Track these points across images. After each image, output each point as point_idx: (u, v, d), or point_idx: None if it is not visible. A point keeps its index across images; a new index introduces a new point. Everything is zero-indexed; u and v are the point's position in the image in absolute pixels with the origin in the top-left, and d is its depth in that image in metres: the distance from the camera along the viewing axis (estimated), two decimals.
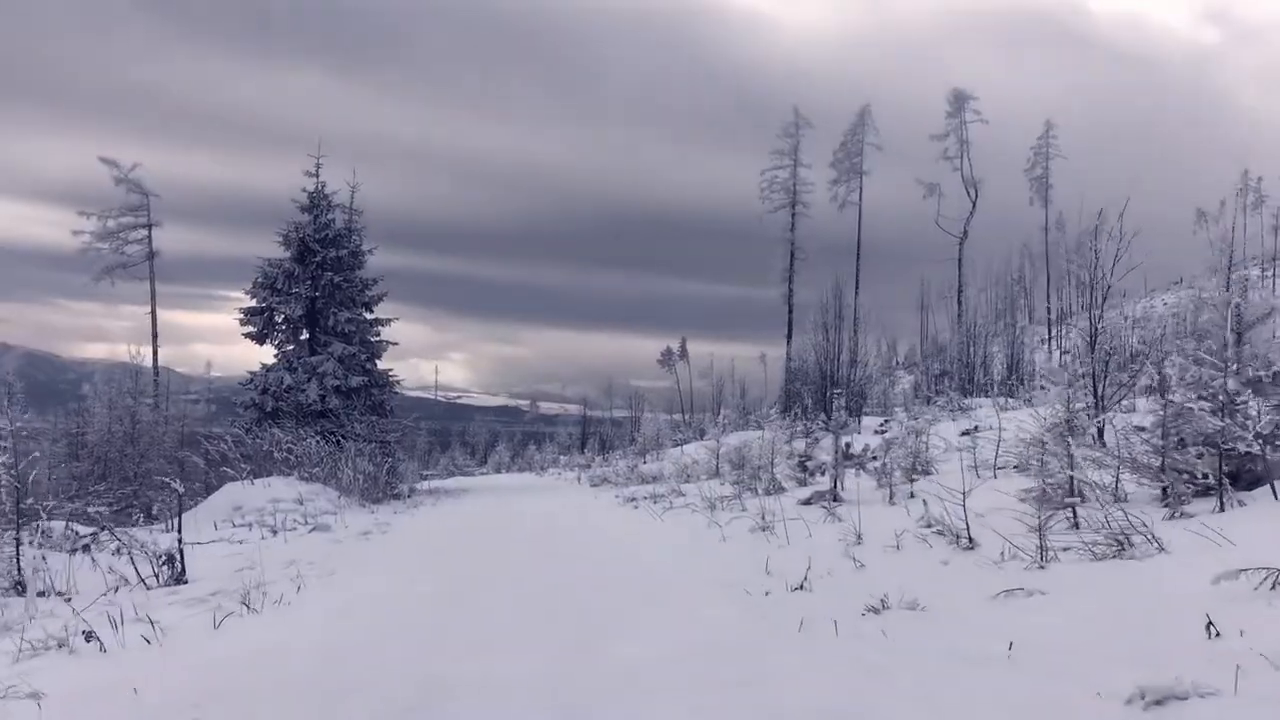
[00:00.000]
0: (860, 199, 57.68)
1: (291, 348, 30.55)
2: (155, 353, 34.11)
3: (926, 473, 16.01)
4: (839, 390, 39.33)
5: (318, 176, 30.72)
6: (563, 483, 36.61)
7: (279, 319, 30.17)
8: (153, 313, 34.34)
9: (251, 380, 29.23)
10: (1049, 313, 64.36)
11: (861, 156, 57.70)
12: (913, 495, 14.36)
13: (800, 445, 21.62)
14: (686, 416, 60.45)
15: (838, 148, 58.80)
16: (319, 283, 29.79)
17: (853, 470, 16.60)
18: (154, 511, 23.94)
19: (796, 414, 35.06)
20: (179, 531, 11.86)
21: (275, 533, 17.56)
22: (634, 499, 22.28)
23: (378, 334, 31.60)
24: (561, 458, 52.16)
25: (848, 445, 15.56)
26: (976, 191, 56.41)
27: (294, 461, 23.93)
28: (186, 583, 11.42)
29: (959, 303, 52.47)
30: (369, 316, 31.56)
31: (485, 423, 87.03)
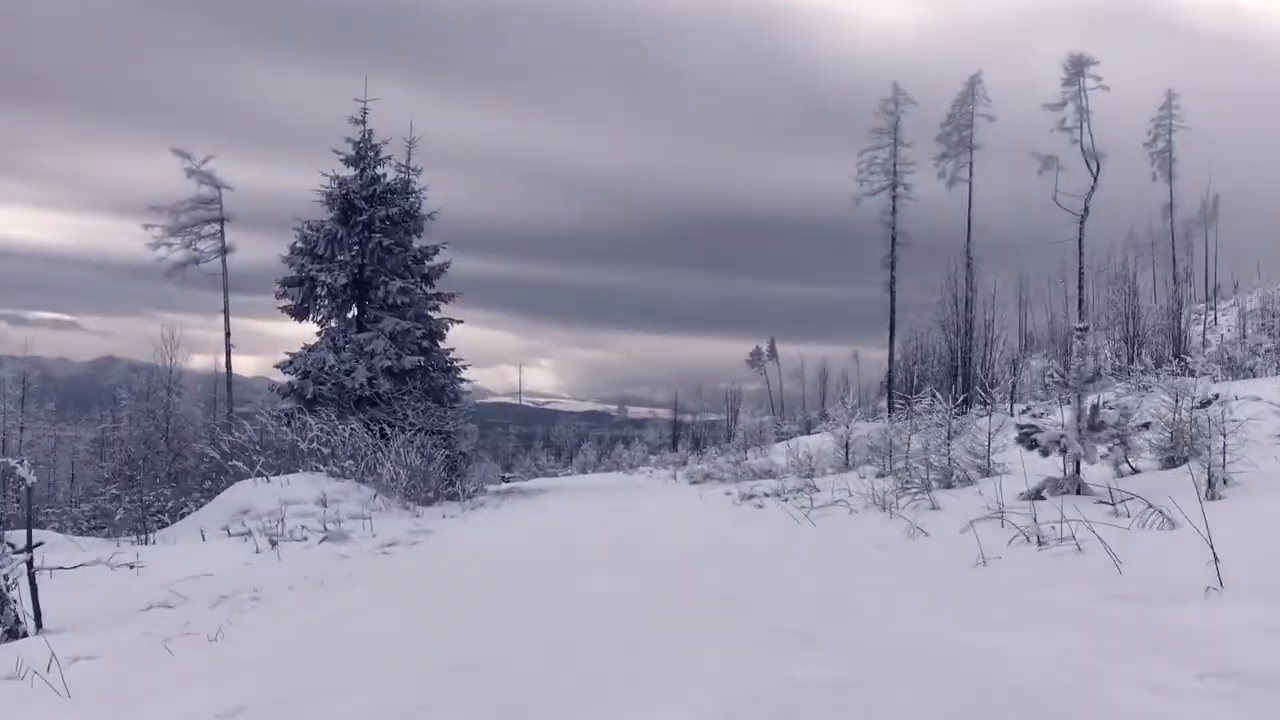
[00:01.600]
0: (971, 175, 52.08)
1: (335, 324, 26.00)
2: (229, 352, 30.37)
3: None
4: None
5: (364, 124, 26.13)
6: (655, 481, 31.67)
7: (320, 290, 25.62)
8: (225, 310, 30.41)
9: (291, 362, 24.65)
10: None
11: (972, 129, 52.02)
12: (1226, 482, 8.92)
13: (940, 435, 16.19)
14: (779, 416, 55.13)
15: (944, 120, 53.23)
16: (366, 247, 25.12)
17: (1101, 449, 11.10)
18: (182, 515, 19.76)
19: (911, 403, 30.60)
20: (29, 553, 7.06)
21: (274, 543, 12.86)
22: (752, 495, 17.08)
23: (436, 307, 26.90)
24: (651, 456, 46.72)
25: (1092, 409, 10.28)
26: (1098, 164, 49.82)
27: (325, 454, 19.27)
28: (26, 636, 6.66)
29: (1080, 283, 46.37)
30: (429, 291, 26.91)
31: (571, 425, 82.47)
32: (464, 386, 27.05)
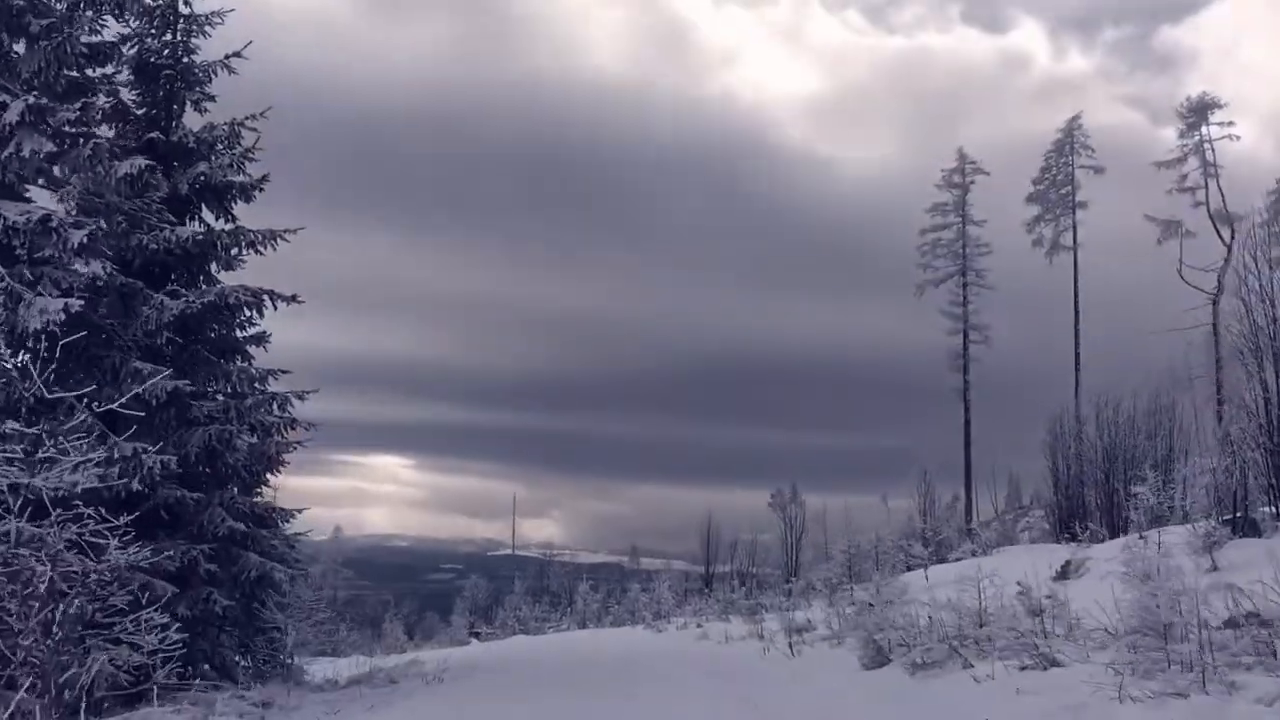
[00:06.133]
0: (1075, 241, 41.58)
1: None
2: None
3: None
4: None
5: None
6: (715, 645, 18.31)
7: None
8: None
9: None
10: None
11: (1073, 186, 41.98)
12: None
13: None
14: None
15: (1037, 175, 43.40)
16: None
17: None
18: None
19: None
20: None
21: None
22: None
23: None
24: (688, 605, 32.79)
25: None
26: (1232, 230, 38.75)
27: None
28: None
29: (1218, 378, 35.00)
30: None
31: (569, 574, 70.91)
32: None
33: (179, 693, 9.18)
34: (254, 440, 11.82)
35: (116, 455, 9.02)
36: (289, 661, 12.80)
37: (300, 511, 12.79)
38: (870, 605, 11.74)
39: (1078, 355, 39.69)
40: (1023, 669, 8.80)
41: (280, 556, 12.34)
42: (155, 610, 9.13)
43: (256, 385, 12.11)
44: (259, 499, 12.60)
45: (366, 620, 63.55)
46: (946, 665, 9.67)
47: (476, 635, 46.84)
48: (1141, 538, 16.96)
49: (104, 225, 10.10)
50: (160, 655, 8.30)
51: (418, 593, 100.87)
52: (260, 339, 12.82)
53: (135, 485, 9.32)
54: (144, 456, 9.38)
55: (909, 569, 20.00)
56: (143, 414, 9.10)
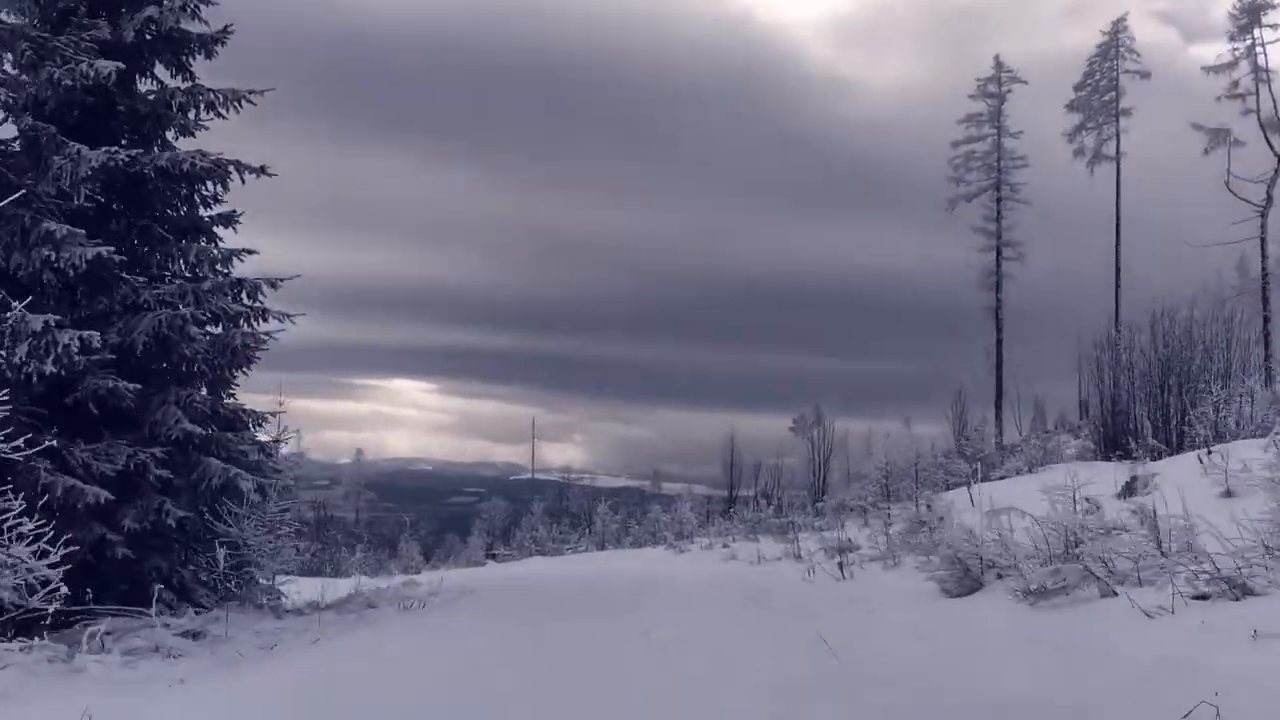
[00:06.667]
0: (1118, 152, 39.55)
1: None
2: None
3: None
4: None
5: None
6: (767, 571, 15.51)
7: None
8: None
9: None
10: None
11: (1117, 92, 39.83)
12: None
13: None
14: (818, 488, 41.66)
15: (1079, 81, 41.31)
16: None
17: None
18: None
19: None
20: None
21: None
22: None
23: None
24: (711, 526, 31.02)
25: None
26: None
27: None
28: None
29: (1265, 293, 33.21)
30: None
31: (588, 496, 69.86)
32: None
33: (106, 619, 7.73)
34: (218, 331, 10.25)
35: (24, 330, 7.44)
36: (264, 583, 11.38)
37: (275, 415, 11.27)
38: (922, 523, 10.17)
39: (1118, 269, 38.00)
40: (1199, 598, 6.40)
41: (255, 465, 10.83)
42: (96, 523, 7.70)
43: (219, 268, 10.44)
44: (231, 401, 11.04)
45: (384, 541, 63.03)
46: (1077, 593, 7.43)
47: (493, 556, 45.93)
48: (1210, 453, 15.49)
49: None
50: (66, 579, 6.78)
51: (439, 515, 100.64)
52: (230, 219, 11.17)
53: (49, 368, 7.76)
54: (59, 334, 7.77)
55: (949, 488, 18.40)
56: (60, 287, 7.56)
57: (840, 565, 12.17)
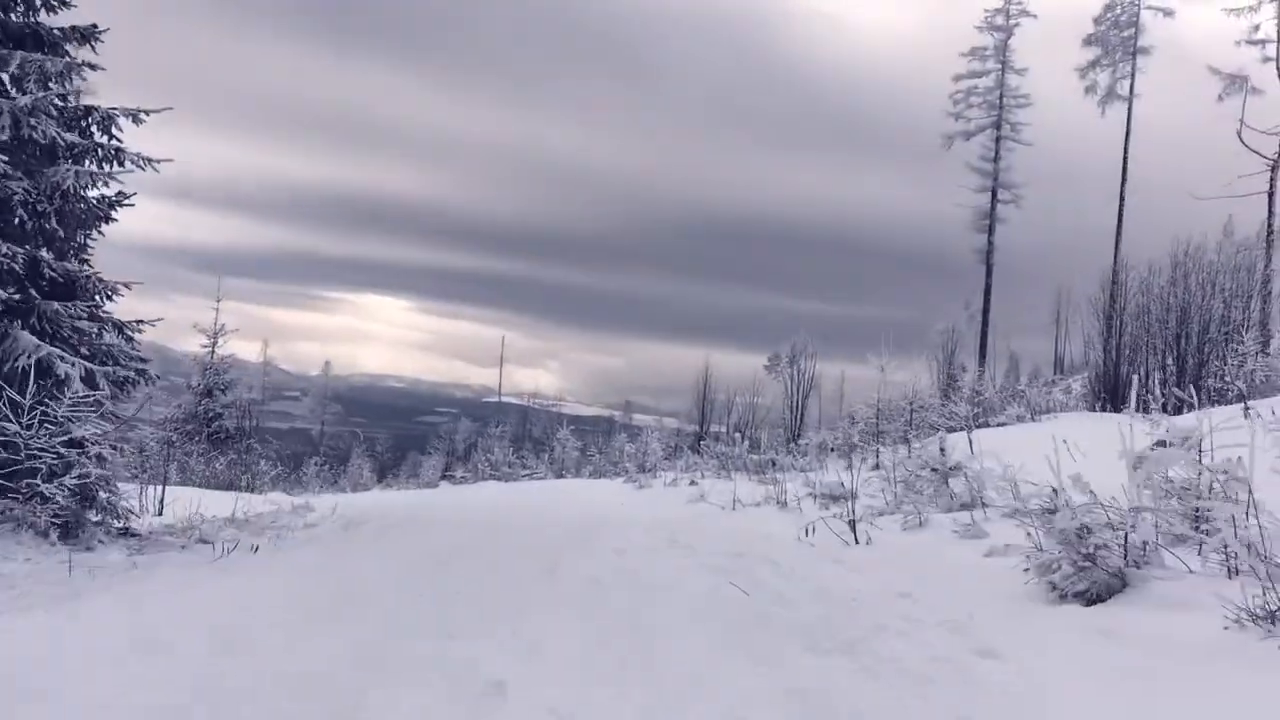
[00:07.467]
0: (1132, 92, 37.39)
1: None
2: None
3: None
4: None
5: None
6: (745, 519, 12.81)
7: None
8: None
9: None
10: None
11: (1136, 28, 37.57)
12: None
13: None
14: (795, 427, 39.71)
15: (1098, 15, 38.95)
16: None
17: None
18: None
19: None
20: None
21: None
22: None
23: None
24: (679, 460, 28.28)
25: None
26: None
27: None
28: None
29: (1268, 249, 31.32)
30: None
31: (550, 423, 67.83)
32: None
33: None
34: (47, 170, 7.92)
35: None
36: (115, 501, 9.07)
37: (130, 286, 8.85)
38: (935, 470, 7.96)
39: (1121, 214, 35.99)
40: None
41: (105, 350, 8.56)
42: None
43: (52, 85, 8.05)
44: (81, 264, 8.73)
45: (341, 457, 60.81)
46: None
47: (449, 478, 44.10)
48: (1248, 408, 13.66)
49: None
50: None
51: (410, 434, 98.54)
52: (88, 35, 8.78)
53: None
54: None
55: (950, 431, 16.37)
56: None
57: (852, 525, 9.36)
